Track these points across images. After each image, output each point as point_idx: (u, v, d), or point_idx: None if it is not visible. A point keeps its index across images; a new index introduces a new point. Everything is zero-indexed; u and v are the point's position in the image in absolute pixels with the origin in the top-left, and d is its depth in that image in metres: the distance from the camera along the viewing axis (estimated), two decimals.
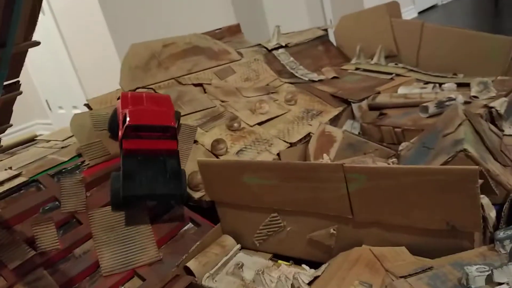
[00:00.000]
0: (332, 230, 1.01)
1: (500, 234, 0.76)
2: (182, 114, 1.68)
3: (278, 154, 1.57)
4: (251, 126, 1.69)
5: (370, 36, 2.36)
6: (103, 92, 1.87)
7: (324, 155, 1.55)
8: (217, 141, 1.51)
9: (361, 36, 2.40)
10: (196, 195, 1.36)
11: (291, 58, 2.30)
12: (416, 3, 6.27)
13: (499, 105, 1.62)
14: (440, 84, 1.98)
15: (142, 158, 1.21)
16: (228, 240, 1.21)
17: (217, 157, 1.51)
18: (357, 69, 2.31)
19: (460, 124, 1.30)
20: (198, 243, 1.16)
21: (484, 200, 0.92)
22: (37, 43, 0.74)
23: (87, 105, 1.71)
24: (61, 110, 4.24)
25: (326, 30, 2.60)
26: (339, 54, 2.51)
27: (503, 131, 1.59)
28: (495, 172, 1.12)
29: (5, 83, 0.76)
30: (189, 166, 1.46)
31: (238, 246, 1.20)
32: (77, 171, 1.40)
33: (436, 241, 0.87)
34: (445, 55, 2.13)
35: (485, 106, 1.65)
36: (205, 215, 1.33)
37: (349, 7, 3.83)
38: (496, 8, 5.50)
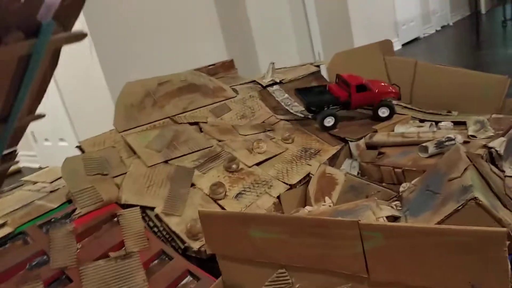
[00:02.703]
0: None
1: None
2: (178, 155, 1.63)
3: (278, 197, 1.53)
4: (250, 167, 1.64)
5: (364, 73, 2.37)
6: (93, 126, 1.80)
7: (326, 198, 1.51)
8: (216, 185, 1.46)
9: (354, 73, 2.41)
10: (195, 245, 1.29)
11: (286, 95, 2.29)
12: (400, 36, 6.47)
13: (499, 145, 1.62)
14: (437, 123, 1.98)
15: None
16: None
17: (216, 202, 1.45)
18: None
19: (466, 169, 1.27)
20: None
21: None
22: (41, 116, 0.68)
23: (79, 147, 1.64)
24: (47, 142, 4.13)
25: (318, 66, 2.62)
26: None
27: (503, 171, 1.58)
28: (507, 221, 1.09)
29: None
30: (188, 212, 1.39)
31: None
32: (67, 221, 1.32)
33: None
34: (439, 93, 2.15)
35: (485, 146, 1.64)
36: (204, 267, 1.25)
37: (338, 41, 3.90)
38: (478, 41, 5.69)
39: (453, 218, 1.11)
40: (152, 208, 1.40)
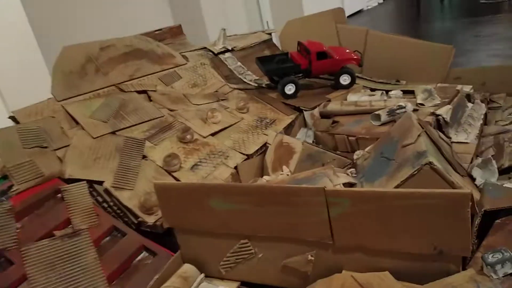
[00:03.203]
0: (309, 257, 0.94)
1: (489, 258, 0.74)
2: (126, 125, 1.51)
3: (235, 168, 1.48)
4: (205, 137, 1.57)
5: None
6: (27, 100, 1.62)
7: (284, 167, 1.49)
8: (170, 156, 1.38)
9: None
10: (150, 219, 1.22)
11: (239, 63, 2.21)
12: (344, 8, 6.52)
13: (445, 112, 1.68)
14: (387, 92, 2.02)
15: None
16: (190, 270, 1.08)
17: (171, 174, 1.37)
18: None
19: (419, 135, 1.30)
20: (156, 276, 1.02)
21: None
22: None
23: (12, 118, 1.46)
24: None
25: (271, 34, 2.55)
26: None
27: (450, 138, 1.66)
28: (459, 184, 1.13)
29: None
30: (140, 185, 1.31)
31: (202, 275, 1.08)
32: (4, 198, 1.18)
33: (421, 266, 0.84)
34: (388, 62, 2.19)
35: (432, 113, 1.70)
36: (160, 242, 1.19)
37: (287, 9, 3.84)
38: (418, 14, 5.91)
39: (408, 182, 1.13)
40: (101, 182, 1.30)
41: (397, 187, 1.13)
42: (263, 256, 1.01)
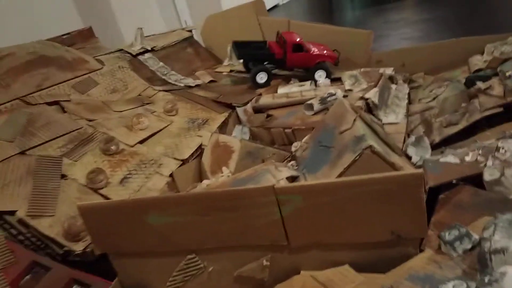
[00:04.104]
0: (265, 262, 0.87)
1: (447, 236, 0.73)
2: (38, 143, 1.32)
3: (170, 175, 1.36)
4: (132, 146, 1.43)
5: (239, 35, 2.29)
6: None
7: (224, 168, 1.41)
8: (94, 172, 1.22)
9: (229, 35, 2.31)
10: (78, 247, 1.06)
11: (161, 63, 2.07)
12: None
13: (373, 95, 1.71)
14: (316, 81, 2.02)
15: None
16: None
17: (97, 192, 1.22)
18: (231, 71, 2.22)
19: (354, 120, 1.30)
20: None
21: None
22: None
23: None
24: None
25: (191, 31, 2.44)
26: (210, 55, 2.38)
27: (380, 120, 1.69)
28: (399, 164, 1.14)
29: None
30: (61, 209, 1.14)
31: None
32: None
33: (380, 253, 0.81)
34: None
35: (361, 98, 1.73)
36: (93, 271, 1.04)
37: (204, 5, 3.73)
38: (330, 5, 6.15)
39: (352, 168, 1.11)
40: (13, 212, 1.11)
41: (340, 174, 1.11)
42: (214, 269, 0.92)
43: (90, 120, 1.50)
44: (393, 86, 1.94)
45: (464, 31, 2.50)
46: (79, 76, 1.72)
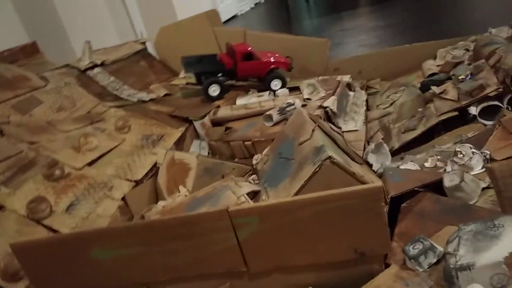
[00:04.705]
0: None
1: (411, 250, 0.69)
2: None
3: (123, 198, 1.27)
4: (79, 169, 1.32)
5: (194, 46, 2.23)
6: None
7: (180, 187, 1.33)
8: (36, 201, 1.11)
9: (184, 47, 2.24)
10: (17, 287, 0.95)
11: (112, 78, 1.97)
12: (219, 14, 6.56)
13: (332, 103, 1.70)
14: (274, 91, 1.99)
15: None
16: None
17: (40, 223, 1.11)
18: (187, 83, 2.14)
19: (313, 130, 1.26)
20: None
21: None
22: None
23: None
24: None
25: (144, 43, 2.35)
26: (165, 68, 2.29)
27: (340, 128, 1.68)
28: (360, 173, 1.11)
29: None
30: None
31: None
32: None
33: (345, 272, 0.77)
34: None
35: (320, 106, 1.71)
36: None
37: (158, 15, 3.64)
38: (288, 15, 6.21)
39: (312, 180, 1.07)
40: None
41: (301, 187, 1.06)
42: None
43: (32, 143, 1.38)
44: (351, 93, 1.94)
45: (416, 37, 2.56)
46: (20, 95, 1.60)
